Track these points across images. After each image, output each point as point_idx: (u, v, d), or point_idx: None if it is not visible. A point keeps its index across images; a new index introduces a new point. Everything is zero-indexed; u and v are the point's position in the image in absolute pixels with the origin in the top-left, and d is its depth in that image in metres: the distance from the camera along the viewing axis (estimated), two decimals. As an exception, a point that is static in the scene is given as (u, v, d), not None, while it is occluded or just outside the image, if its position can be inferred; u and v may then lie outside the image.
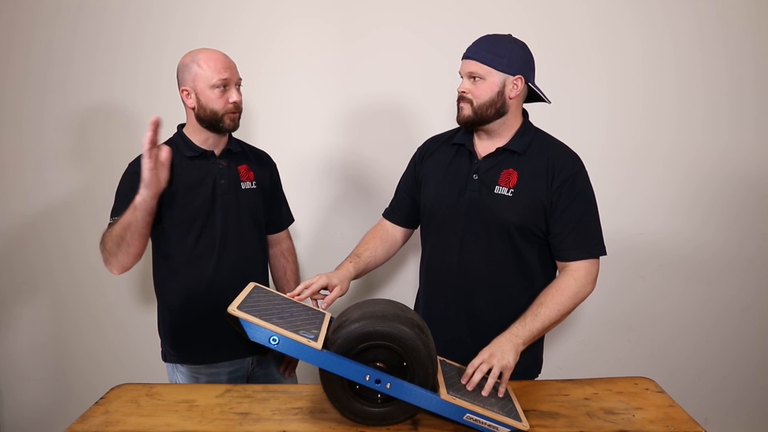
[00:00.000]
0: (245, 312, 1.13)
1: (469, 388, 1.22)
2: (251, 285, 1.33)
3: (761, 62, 2.06)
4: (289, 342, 1.12)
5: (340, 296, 1.45)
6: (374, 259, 1.59)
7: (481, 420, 1.13)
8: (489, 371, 1.25)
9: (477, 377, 1.23)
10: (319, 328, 1.21)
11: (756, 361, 2.23)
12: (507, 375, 1.26)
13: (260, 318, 1.13)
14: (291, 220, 1.83)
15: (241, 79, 1.55)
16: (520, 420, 1.15)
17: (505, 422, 1.13)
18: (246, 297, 1.23)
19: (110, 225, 1.47)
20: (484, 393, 1.21)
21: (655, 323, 2.23)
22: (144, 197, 1.36)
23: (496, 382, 1.25)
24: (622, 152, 2.11)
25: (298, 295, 1.39)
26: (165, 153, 1.37)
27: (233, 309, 1.13)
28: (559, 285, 1.39)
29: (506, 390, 1.28)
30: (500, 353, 1.27)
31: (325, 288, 1.43)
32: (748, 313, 2.21)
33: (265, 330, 1.11)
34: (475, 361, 1.27)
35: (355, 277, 1.52)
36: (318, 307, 1.43)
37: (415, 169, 1.61)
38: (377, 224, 1.68)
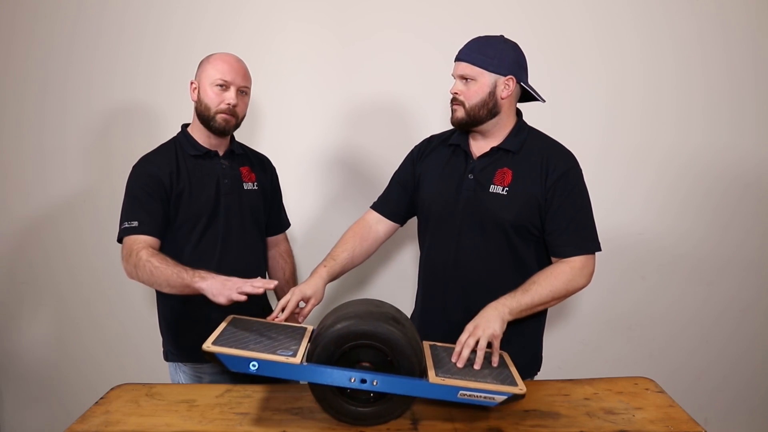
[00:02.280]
0: (220, 345, 1.14)
1: (460, 365, 1.22)
2: (229, 318, 1.34)
3: (761, 62, 2.06)
4: (267, 363, 1.12)
5: (316, 305, 1.45)
6: (351, 261, 1.58)
7: (476, 394, 1.13)
8: (477, 345, 1.25)
9: (465, 353, 1.24)
10: (300, 343, 1.22)
11: (756, 361, 2.23)
12: (496, 343, 1.26)
13: (236, 348, 1.14)
14: (288, 224, 1.86)
15: (247, 87, 1.56)
16: (516, 384, 1.15)
17: (501, 390, 1.13)
18: (222, 331, 1.24)
19: (133, 230, 1.45)
20: (476, 366, 1.21)
21: (655, 323, 2.23)
22: (208, 294, 1.33)
23: (488, 353, 1.25)
24: (621, 152, 2.11)
25: (277, 317, 1.39)
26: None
27: (208, 345, 1.14)
28: (555, 270, 1.40)
29: (502, 358, 1.28)
30: (485, 323, 1.27)
31: (303, 300, 1.43)
32: (748, 313, 2.21)
33: (241, 358, 1.12)
34: (462, 337, 1.27)
35: (332, 280, 1.52)
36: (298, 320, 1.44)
37: (413, 166, 1.61)
38: (360, 219, 1.66)
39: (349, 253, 1.57)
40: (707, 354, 2.23)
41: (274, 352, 1.14)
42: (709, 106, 2.08)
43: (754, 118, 2.09)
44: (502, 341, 1.30)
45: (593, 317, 2.22)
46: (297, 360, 1.12)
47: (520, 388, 1.14)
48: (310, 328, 1.32)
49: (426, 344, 1.32)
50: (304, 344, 1.21)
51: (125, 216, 1.49)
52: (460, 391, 1.13)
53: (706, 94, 2.08)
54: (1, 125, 2.17)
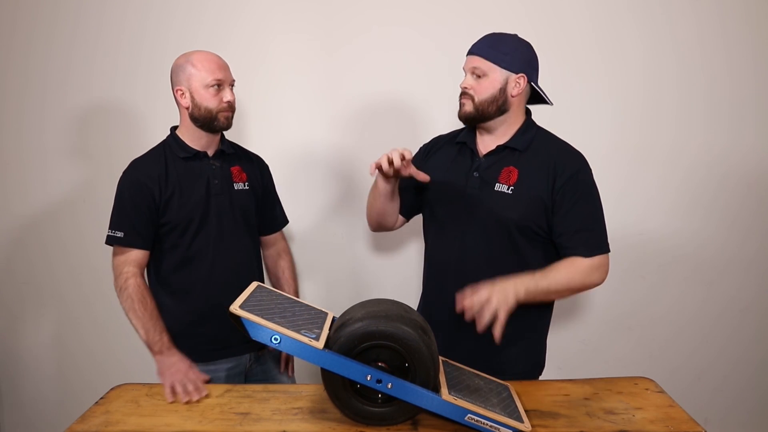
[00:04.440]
0: (247, 311, 1.14)
1: (468, 318, 1.23)
2: (254, 284, 1.33)
3: (761, 62, 2.06)
4: (290, 341, 1.12)
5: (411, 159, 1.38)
6: (395, 198, 1.54)
7: (483, 421, 1.13)
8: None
9: (476, 309, 1.23)
10: (321, 328, 1.21)
11: (756, 361, 2.23)
12: (502, 316, 1.24)
13: (262, 317, 1.13)
14: (285, 221, 1.84)
15: (234, 80, 1.57)
16: (521, 421, 1.15)
17: (507, 423, 1.13)
18: (249, 296, 1.23)
19: (118, 240, 1.50)
20: (479, 329, 1.22)
21: (655, 323, 2.23)
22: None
23: (496, 382, 1.24)
24: (622, 152, 2.11)
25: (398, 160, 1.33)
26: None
27: (235, 308, 1.14)
28: (574, 261, 1.38)
29: (508, 390, 1.28)
30: (501, 292, 1.26)
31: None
32: (748, 313, 2.21)
33: (266, 329, 1.12)
34: (474, 297, 1.25)
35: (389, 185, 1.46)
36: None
37: (419, 164, 1.61)
38: None
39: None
40: (707, 354, 2.23)
41: (298, 331, 1.14)
42: (709, 106, 2.08)
43: (754, 118, 2.09)
44: (505, 343, 1.30)
45: (593, 317, 2.22)
46: (320, 345, 1.12)
47: (526, 425, 1.14)
48: (330, 314, 1.32)
49: (439, 359, 1.32)
50: (326, 330, 1.20)
51: (112, 223, 1.53)
52: (468, 414, 1.13)
53: (706, 95, 2.08)
54: (1, 125, 2.17)
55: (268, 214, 1.76)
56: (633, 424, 1.19)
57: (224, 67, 1.54)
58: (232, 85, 1.57)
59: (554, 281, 1.34)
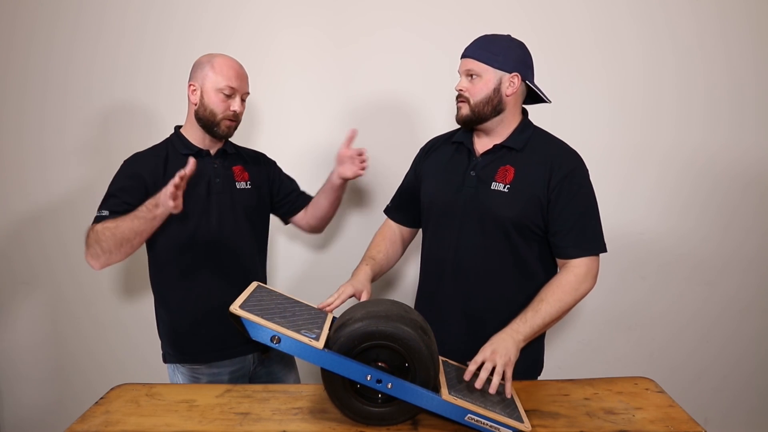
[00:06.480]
0: (247, 311, 1.14)
1: (478, 386, 1.20)
2: (254, 284, 1.33)
3: (761, 62, 2.06)
4: (290, 341, 1.12)
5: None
6: (387, 261, 1.61)
7: (483, 421, 1.13)
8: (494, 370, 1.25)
9: (484, 375, 1.22)
10: (321, 328, 1.21)
11: (756, 361, 2.23)
12: (510, 372, 1.26)
13: (262, 317, 1.14)
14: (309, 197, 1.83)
15: (248, 93, 1.59)
16: (521, 421, 1.15)
17: (507, 423, 1.13)
18: (249, 296, 1.23)
19: (102, 218, 1.44)
20: (492, 391, 1.21)
21: (655, 323, 2.23)
22: (165, 212, 1.36)
23: (501, 384, 1.25)
24: (622, 152, 2.11)
25: (329, 305, 1.38)
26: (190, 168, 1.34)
27: (235, 308, 1.14)
28: (560, 281, 1.38)
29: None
30: (503, 350, 1.26)
31: (355, 295, 1.44)
32: (748, 313, 2.21)
33: (266, 329, 1.12)
34: (478, 358, 1.26)
35: (373, 280, 1.52)
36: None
37: (416, 168, 1.63)
38: (384, 225, 1.68)
39: (384, 255, 1.60)
40: (707, 354, 2.23)
41: (298, 331, 1.14)
42: (709, 106, 2.08)
43: (754, 118, 2.09)
44: None
45: (593, 317, 2.22)
46: (320, 345, 1.12)
47: (526, 425, 1.14)
48: (330, 314, 1.32)
49: (439, 359, 1.31)
50: (326, 330, 1.21)
51: (102, 206, 1.49)
52: (468, 414, 1.13)
53: (706, 94, 2.08)
54: (1, 124, 2.17)
55: (292, 196, 1.78)
56: (633, 424, 1.19)
57: (242, 76, 1.56)
58: (244, 98, 1.58)
59: (547, 314, 1.35)
